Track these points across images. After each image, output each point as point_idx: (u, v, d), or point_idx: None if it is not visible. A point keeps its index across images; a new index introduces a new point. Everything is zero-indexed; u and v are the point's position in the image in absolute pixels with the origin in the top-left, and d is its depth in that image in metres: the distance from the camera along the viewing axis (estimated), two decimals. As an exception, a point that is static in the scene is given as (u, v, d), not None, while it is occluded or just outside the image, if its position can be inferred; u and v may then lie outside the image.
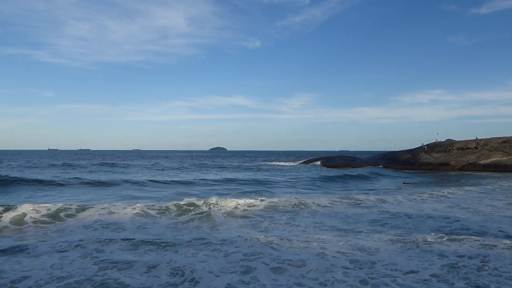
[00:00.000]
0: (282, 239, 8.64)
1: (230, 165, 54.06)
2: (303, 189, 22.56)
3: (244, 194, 17.75)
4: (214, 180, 27.06)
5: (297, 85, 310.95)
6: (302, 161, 62.78)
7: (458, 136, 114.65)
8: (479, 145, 44.19)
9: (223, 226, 10.70)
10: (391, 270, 6.76)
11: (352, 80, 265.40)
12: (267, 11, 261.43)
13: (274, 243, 8.19)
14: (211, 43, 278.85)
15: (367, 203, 15.34)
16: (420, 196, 17.51)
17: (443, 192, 18.86)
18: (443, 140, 49.94)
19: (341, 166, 48.92)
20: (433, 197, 17.32)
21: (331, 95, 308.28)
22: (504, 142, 43.63)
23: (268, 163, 62.83)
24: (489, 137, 45.85)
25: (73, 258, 7.05)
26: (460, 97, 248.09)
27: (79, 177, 27.15)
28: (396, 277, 6.43)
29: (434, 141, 49.01)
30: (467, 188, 21.82)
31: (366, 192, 20.60)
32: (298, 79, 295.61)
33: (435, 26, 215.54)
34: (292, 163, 59.50)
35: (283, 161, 69.07)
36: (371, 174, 33.86)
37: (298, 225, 10.86)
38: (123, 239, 8.52)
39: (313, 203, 14.55)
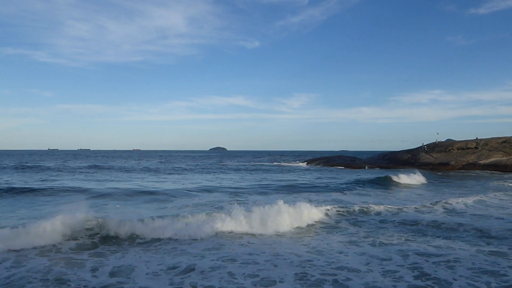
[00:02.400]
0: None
1: (242, 165, 54.13)
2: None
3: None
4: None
5: (297, 85, 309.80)
6: (303, 161, 62.93)
7: (457, 136, 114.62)
8: (479, 145, 44.22)
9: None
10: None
11: (351, 80, 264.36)
12: (266, 12, 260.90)
13: None
14: (210, 43, 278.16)
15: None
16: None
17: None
18: (443, 140, 50.03)
19: (343, 166, 49.09)
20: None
21: (330, 95, 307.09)
22: (504, 142, 43.65)
23: (266, 163, 62.90)
24: (489, 137, 45.96)
25: None
26: (459, 97, 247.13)
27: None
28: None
29: (434, 141, 49.12)
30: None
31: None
32: (297, 79, 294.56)
33: (433, 26, 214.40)
34: (292, 163, 59.80)
35: (283, 161, 69.31)
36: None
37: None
38: None
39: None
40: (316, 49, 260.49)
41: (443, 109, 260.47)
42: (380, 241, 8.94)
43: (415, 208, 14.05)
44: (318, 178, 30.44)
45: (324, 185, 23.50)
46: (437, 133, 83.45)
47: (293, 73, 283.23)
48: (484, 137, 45.84)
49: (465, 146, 44.85)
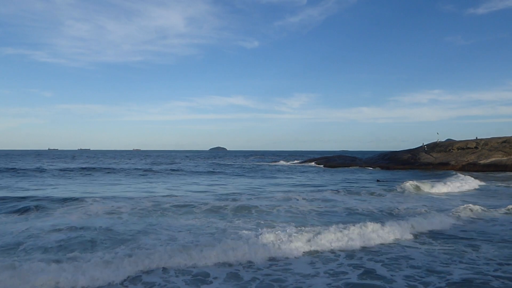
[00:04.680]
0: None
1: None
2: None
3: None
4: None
5: (296, 85, 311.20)
6: (302, 161, 63.00)
7: (457, 136, 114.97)
8: (479, 145, 44.29)
9: None
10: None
11: (350, 80, 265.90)
12: (265, 12, 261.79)
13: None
14: (210, 43, 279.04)
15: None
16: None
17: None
18: (443, 140, 50.13)
19: (341, 166, 49.32)
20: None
21: (330, 95, 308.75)
22: (504, 142, 43.72)
23: (272, 163, 63.05)
24: (489, 137, 46.04)
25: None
26: (459, 97, 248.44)
27: None
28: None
29: (435, 141, 49.18)
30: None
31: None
32: (297, 79, 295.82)
33: (433, 26, 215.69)
34: (292, 163, 60.08)
35: (283, 160, 69.48)
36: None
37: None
38: None
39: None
40: (315, 49, 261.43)
41: (443, 109, 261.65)
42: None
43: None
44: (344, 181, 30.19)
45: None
46: (437, 133, 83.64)
47: (293, 73, 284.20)
48: (484, 137, 45.97)
49: (465, 146, 44.91)
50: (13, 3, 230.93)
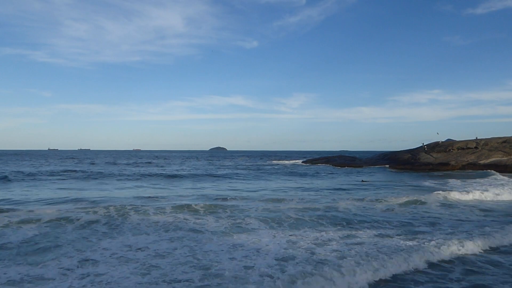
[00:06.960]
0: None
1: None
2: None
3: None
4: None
5: (295, 85, 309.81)
6: (304, 161, 62.99)
7: (457, 136, 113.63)
8: (479, 145, 43.91)
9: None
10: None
11: (349, 80, 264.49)
12: (264, 12, 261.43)
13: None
14: (209, 43, 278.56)
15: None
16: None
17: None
18: (443, 140, 49.75)
19: (344, 165, 49.30)
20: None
21: (329, 95, 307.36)
22: (504, 142, 43.32)
23: (274, 161, 63.25)
24: (489, 137, 45.65)
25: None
26: (458, 97, 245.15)
27: None
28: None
29: (435, 141, 48.81)
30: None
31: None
32: (296, 79, 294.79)
33: (431, 26, 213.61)
34: (294, 162, 60.10)
35: (284, 159, 69.64)
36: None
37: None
38: None
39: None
40: (314, 49, 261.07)
41: (442, 109, 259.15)
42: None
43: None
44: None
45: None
46: (437, 133, 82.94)
47: (292, 73, 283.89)
48: (484, 137, 45.58)
49: (465, 146, 44.54)
50: (12, 3, 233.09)
